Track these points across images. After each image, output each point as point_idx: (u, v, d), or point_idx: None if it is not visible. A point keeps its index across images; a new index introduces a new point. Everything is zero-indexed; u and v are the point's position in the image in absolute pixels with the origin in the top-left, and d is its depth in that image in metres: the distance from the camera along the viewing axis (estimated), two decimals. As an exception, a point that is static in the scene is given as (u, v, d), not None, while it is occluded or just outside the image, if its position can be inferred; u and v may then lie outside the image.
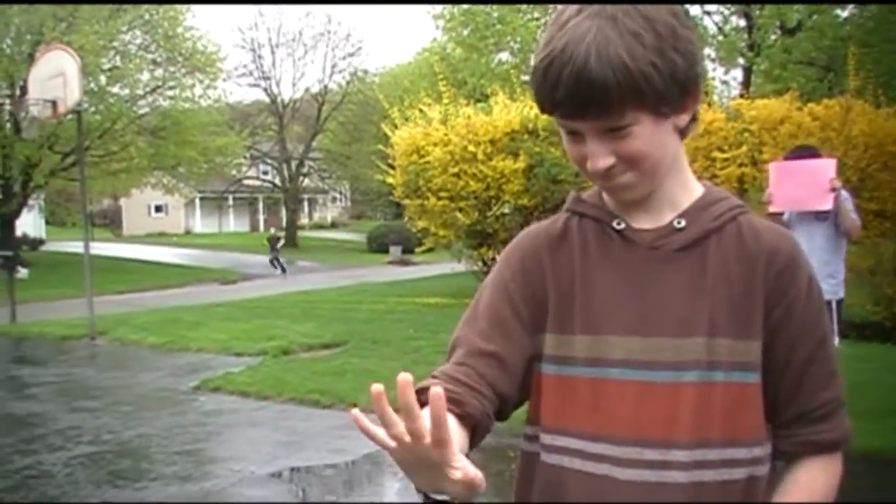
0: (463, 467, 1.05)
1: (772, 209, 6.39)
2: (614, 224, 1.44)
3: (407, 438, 1.02)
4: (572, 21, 1.28)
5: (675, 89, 1.30)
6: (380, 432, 1.03)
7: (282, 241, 33.84)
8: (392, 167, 17.75)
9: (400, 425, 1.02)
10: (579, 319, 1.42)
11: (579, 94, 1.26)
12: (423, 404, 1.31)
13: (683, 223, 1.41)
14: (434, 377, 1.39)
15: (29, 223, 42.45)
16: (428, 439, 1.01)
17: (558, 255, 1.47)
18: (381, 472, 6.90)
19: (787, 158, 6.95)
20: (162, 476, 6.74)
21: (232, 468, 6.93)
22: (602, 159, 1.32)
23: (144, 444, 7.78)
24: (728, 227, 1.41)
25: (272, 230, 37.33)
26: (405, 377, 1.00)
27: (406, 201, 17.73)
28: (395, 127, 17.74)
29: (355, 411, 1.04)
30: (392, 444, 1.03)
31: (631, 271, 1.41)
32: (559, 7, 1.34)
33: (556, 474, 1.41)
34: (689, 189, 1.45)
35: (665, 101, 1.30)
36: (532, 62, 1.35)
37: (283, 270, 31.59)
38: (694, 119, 1.40)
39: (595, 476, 1.37)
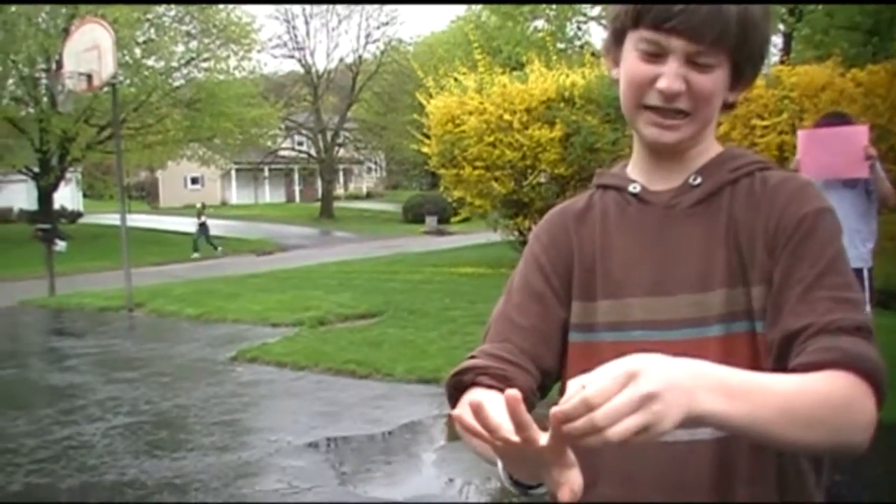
0: (570, 469, 1.05)
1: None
2: (630, 189, 1.46)
3: (515, 438, 1.01)
4: None
5: (757, 58, 1.39)
6: (483, 431, 1.01)
7: (203, 218, 29.56)
8: (427, 137, 17.64)
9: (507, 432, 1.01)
10: (600, 285, 1.43)
11: (701, 12, 1.29)
12: (467, 385, 1.37)
13: (699, 179, 1.42)
14: (473, 357, 1.42)
15: (67, 196, 42.92)
16: (540, 443, 1.01)
17: (582, 226, 1.49)
18: (417, 443, 6.88)
19: (817, 126, 6.76)
20: (199, 446, 6.75)
21: (269, 438, 6.93)
22: (678, 82, 1.33)
23: (182, 414, 7.82)
24: (743, 181, 1.41)
25: (199, 204, 32.28)
26: (514, 394, 0.98)
27: (442, 171, 17.64)
28: (431, 96, 17.61)
29: (458, 412, 1.06)
30: (515, 438, 1.01)
31: (647, 232, 1.42)
32: None
33: None
34: (711, 152, 1.46)
35: (749, 63, 1.38)
36: None
37: (196, 249, 28.71)
38: (734, 105, 1.45)
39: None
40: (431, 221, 37.31)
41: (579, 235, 1.48)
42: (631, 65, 1.38)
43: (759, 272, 1.33)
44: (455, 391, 1.39)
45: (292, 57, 50.61)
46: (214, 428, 7.29)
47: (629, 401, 1.01)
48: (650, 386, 1.02)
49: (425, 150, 17.85)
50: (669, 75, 1.33)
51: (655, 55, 1.34)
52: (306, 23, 50.28)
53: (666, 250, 1.39)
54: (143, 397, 8.39)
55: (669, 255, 1.39)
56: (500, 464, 1.16)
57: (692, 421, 1.07)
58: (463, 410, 1.07)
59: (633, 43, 1.37)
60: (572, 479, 1.04)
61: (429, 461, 6.45)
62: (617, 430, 1.00)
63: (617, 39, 1.41)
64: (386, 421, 7.24)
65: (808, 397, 1.16)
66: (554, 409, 1.01)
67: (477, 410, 1.00)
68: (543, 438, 1.01)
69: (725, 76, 1.35)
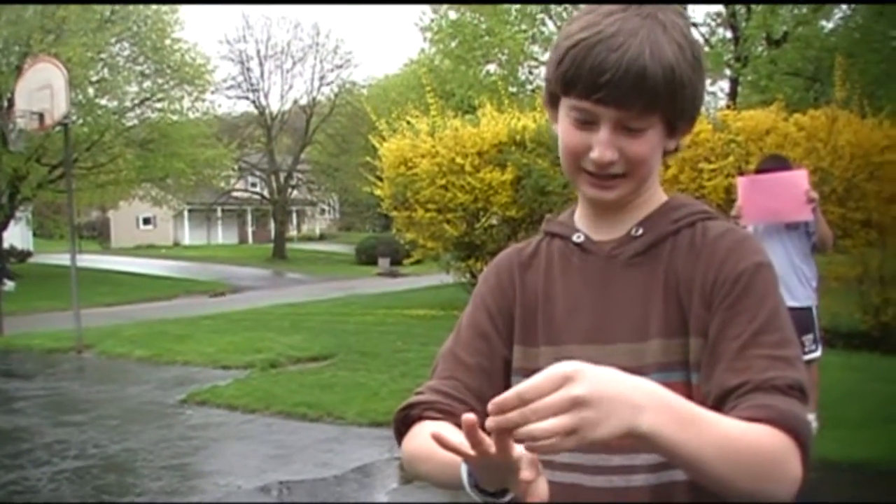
0: (529, 468, 1.13)
1: (743, 223, 6.33)
2: (574, 238, 1.51)
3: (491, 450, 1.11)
4: (619, 14, 1.34)
5: (690, 112, 1.42)
6: (462, 445, 1.12)
7: None
8: (380, 179, 17.71)
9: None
10: (541, 331, 1.47)
11: (626, 82, 1.30)
12: (414, 420, 1.46)
13: (641, 231, 1.45)
14: (420, 393, 1.49)
15: (16, 235, 42.25)
16: (493, 450, 1.10)
17: (527, 272, 1.54)
18: (369, 486, 6.88)
19: (757, 171, 6.93)
20: (147, 491, 6.70)
21: (219, 482, 6.89)
22: (610, 151, 1.36)
23: (130, 458, 7.74)
24: (684, 232, 1.44)
25: None
26: (470, 417, 1.09)
27: (394, 213, 17.69)
28: (384, 139, 17.70)
29: (435, 433, 1.16)
30: (472, 452, 1.11)
31: (588, 281, 1.46)
32: (591, 5, 1.39)
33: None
34: (655, 202, 1.49)
35: (681, 118, 1.41)
36: (563, 40, 1.38)
37: None
38: (676, 149, 1.48)
39: (564, 485, 1.39)
40: (384, 263, 37.29)
41: (523, 280, 1.52)
42: (565, 132, 1.43)
43: (696, 324, 1.36)
44: (402, 425, 1.47)
45: (246, 98, 50.62)
46: (163, 472, 7.22)
47: (559, 400, 1.06)
48: (581, 390, 1.07)
49: (378, 192, 17.90)
50: (601, 145, 1.36)
51: (587, 122, 1.37)
52: (260, 64, 50.31)
53: (606, 299, 1.42)
54: (91, 441, 8.29)
55: (609, 305, 1.42)
56: (464, 474, 1.24)
57: (632, 438, 1.12)
58: (430, 435, 1.17)
59: (566, 110, 1.41)
60: (537, 485, 1.13)
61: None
62: (543, 427, 1.06)
63: (552, 102, 1.47)
64: (337, 464, 7.23)
65: (746, 441, 1.19)
66: (493, 400, 1.09)
67: (438, 438, 1.13)
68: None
69: (659, 134, 1.38)
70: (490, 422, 1.08)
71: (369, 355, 12.27)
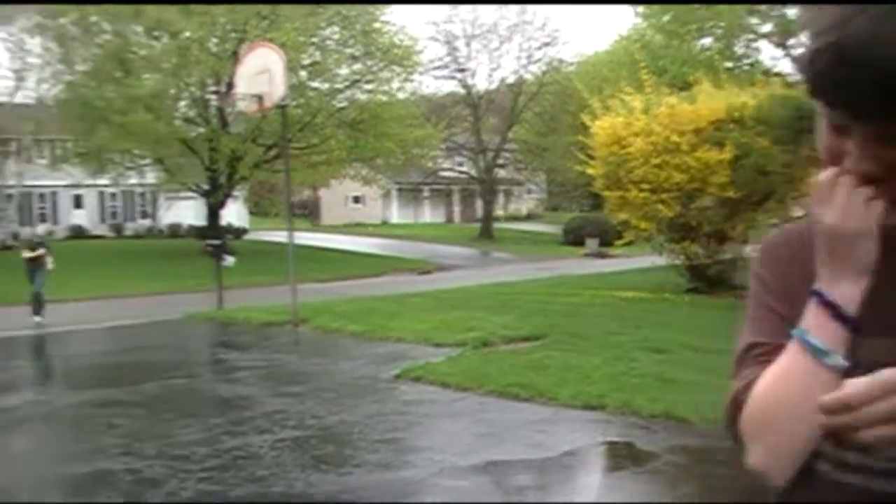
0: None
1: None
2: None
3: None
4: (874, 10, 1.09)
5: None
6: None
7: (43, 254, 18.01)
8: (591, 158, 17.37)
9: None
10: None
11: (879, 97, 1.09)
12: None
13: None
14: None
15: (233, 213, 44.56)
16: None
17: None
18: (581, 470, 6.68)
19: None
20: (364, 463, 6.73)
21: (432, 458, 6.85)
22: (866, 162, 1.18)
23: (347, 430, 7.83)
24: None
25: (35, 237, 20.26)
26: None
27: (606, 193, 17.32)
28: (595, 117, 17.35)
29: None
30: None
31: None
32: None
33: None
34: None
35: None
36: (813, 37, 1.14)
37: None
38: None
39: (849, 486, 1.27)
40: (592, 244, 36.83)
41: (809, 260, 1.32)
42: (820, 129, 1.24)
43: None
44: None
45: (453, 78, 51.15)
46: (379, 445, 7.27)
47: (887, 411, 1.03)
48: None
49: (590, 171, 17.57)
50: (853, 157, 1.18)
51: (841, 126, 1.19)
52: (467, 45, 50.69)
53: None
54: (308, 411, 8.46)
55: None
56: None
57: None
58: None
59: (819, 107, 1.22)
60: None
61: (591, 490, 6.23)
62: (873, 434, 1.04)
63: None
64: (549, 446, 7.06)
65: None
66: (822, 399, 1.06)
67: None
68: None
69: None
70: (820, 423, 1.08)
71: (581, 337, 12.02)
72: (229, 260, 18.56)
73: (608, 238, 26.47)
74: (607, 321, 13.51)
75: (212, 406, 9.21)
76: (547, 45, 50.63)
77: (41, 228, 20.96)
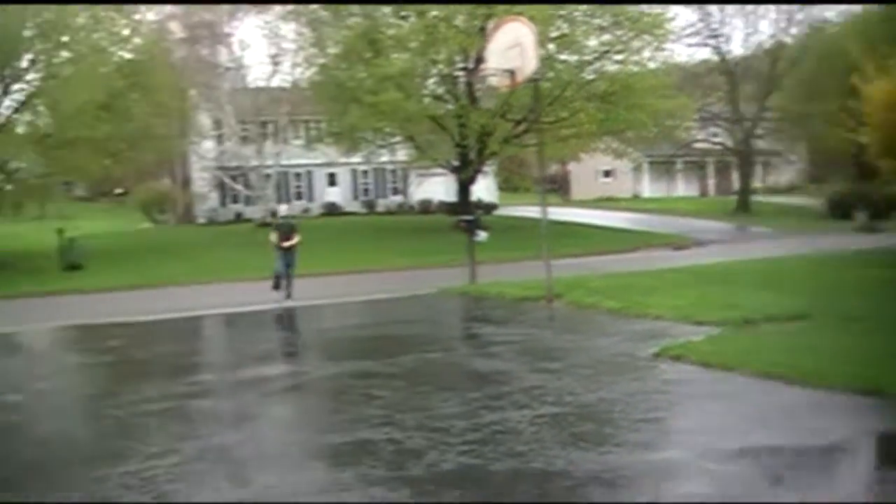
0: None
1: None
2: None
3: None
4: None
5: None
6: None
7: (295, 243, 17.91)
8: (863, 124, 16.21)
9: None
10: None
11: None
12: None
13: None
14: None
15: (483, 189, 45.18)
16: None
17: None
18: (850, 463, 6.21)
19: None
20: (625, 442, 6.60)
21: (696, 440, 6.62)
22: None
23: (606, 408, 7.70)
24: None
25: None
26: None
27: (882, 161, 16.12)
28: (868, 79, 16.14)
29: None
30: None
31: None
32: None
33: None
34: None
35: None
36: None
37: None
38: None
39: None
40: (861, 217, 34.51)
41: None
42: None
43: None
44: None
45: (707, 45, 49.28)
46: (640, 424, 7.11)
47: None
48: None
49: (862, 138, 16.40)
50: None
51: None
52: (721, 10, 48.66)
53: None
54: (566, 388, 8.40)
55: None
56: None
57: None
58: None
59: None
60: None
61: (863, 486, 5.78)
62: None
63: None
64: (818, 433, 6.64)
65: None
66: None
67: None
68: None
69: None
70: None
71: (851, 318, 11.23)
72: (482, 235, 18.78)
73: (880, 211, 24.59)
74: (882, 301, 12.56)
75: (469, 380, 9.34)
76: (809, 3, 47.70)
77: (283, 208, 21.33)
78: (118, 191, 65.39)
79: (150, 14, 35.16)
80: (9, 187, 31.46)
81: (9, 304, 20.34)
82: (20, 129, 29.57)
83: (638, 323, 12.11)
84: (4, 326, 15.36)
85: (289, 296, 17.16)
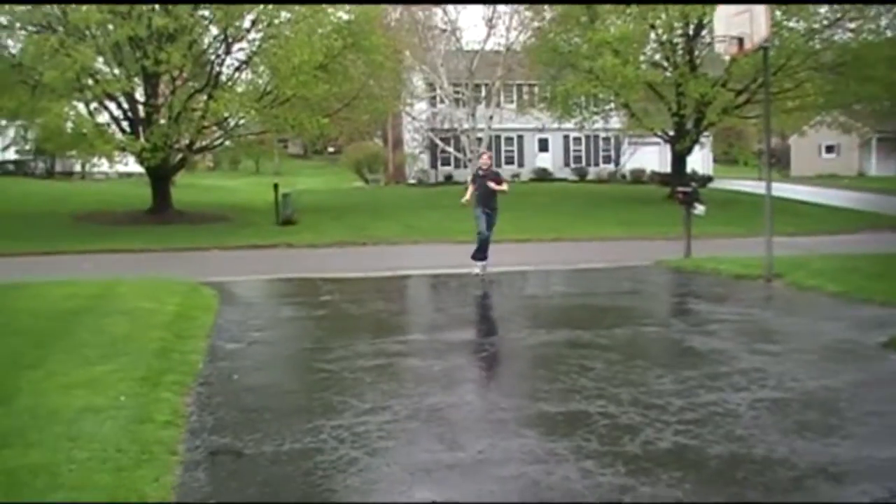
0: None
1: None
2: None
3: None
4: None
5: None
6: None
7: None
8: None
9: None
10: None
11: None
12: None
13: None
14: None
15: (698, 160, 43.97)
16: None
17: None
18: None
19: None
20: (853, 435, 6.23)
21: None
22: None
23: (831, 397, 7.32)
24: None
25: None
26: None
27: None
28: None
29: None
30: None
31: None
32: None
33: None
34: None
35: None
36: None
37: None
38: None
39: None
40: None
41: None
42: None
43: None
44: None
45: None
46: (869, 418, 6.70)
47: None
48: None
49: None
50: None
51: None
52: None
53: None
54: (788, 373, 8.05)
55: None
56: None
57: None
58: None
59: None
60: None
61: None
62: None
63: None
64: None
65: None
66: None
67: None
68: None
69: None
70: None
71: None
72: (700, 209, 18.21)
73: None
74: None
75: (685, 357, 9.10)
76: None
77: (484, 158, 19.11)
78: (331, 149, 67.79)
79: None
80: (228, 143, 33.21)
81: (227, 255, 21.55)
82: (239, 88, 31.08)
83: (864, 309, 11.44)
84: (223, 276, 16.25)
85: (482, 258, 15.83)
